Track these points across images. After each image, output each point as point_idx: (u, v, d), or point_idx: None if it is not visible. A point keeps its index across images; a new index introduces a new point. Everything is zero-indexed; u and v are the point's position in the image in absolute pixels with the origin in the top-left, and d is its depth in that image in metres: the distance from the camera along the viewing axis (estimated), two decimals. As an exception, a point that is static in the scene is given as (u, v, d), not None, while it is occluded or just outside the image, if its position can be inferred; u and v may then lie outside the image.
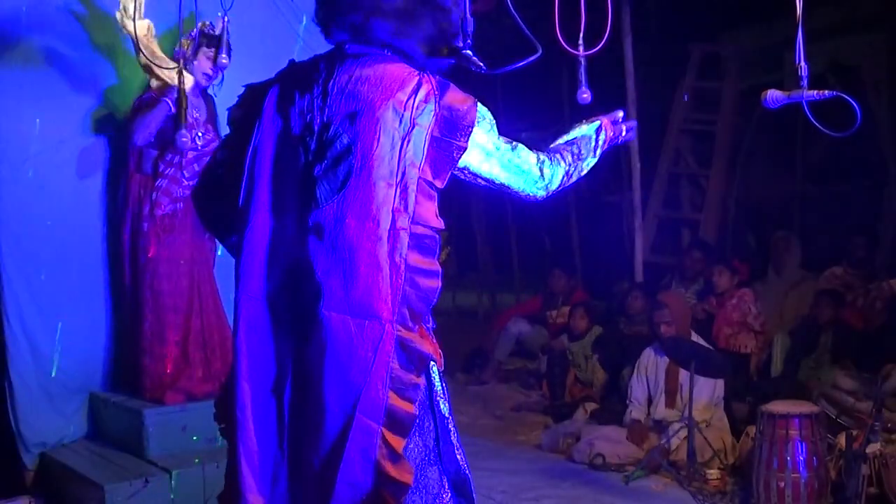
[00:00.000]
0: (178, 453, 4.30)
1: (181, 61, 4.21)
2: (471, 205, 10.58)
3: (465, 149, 2.15)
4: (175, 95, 4.32)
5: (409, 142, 2.11)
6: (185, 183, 4.45)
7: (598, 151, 2.52)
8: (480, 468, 5.10)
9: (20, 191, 4.42)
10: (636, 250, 7.43)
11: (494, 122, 2.24)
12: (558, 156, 2.38)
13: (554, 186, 2.34)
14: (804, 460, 4.20)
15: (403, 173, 2.10)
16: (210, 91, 4.66)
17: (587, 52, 2.75)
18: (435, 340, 2.23)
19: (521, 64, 2.36)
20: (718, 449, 4.97)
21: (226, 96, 4.71)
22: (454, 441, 2.27)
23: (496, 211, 10.59)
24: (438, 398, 2.26)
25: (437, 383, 2.25)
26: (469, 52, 2.35)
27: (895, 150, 7.38)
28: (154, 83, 4.42)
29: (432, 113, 2.13)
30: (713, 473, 4.78)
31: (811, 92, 2.53)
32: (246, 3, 4.53)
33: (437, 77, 2.20)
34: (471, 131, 2.15)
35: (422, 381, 2.15)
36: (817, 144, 7.61)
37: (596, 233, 9.43)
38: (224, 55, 4.23)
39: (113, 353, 4.77)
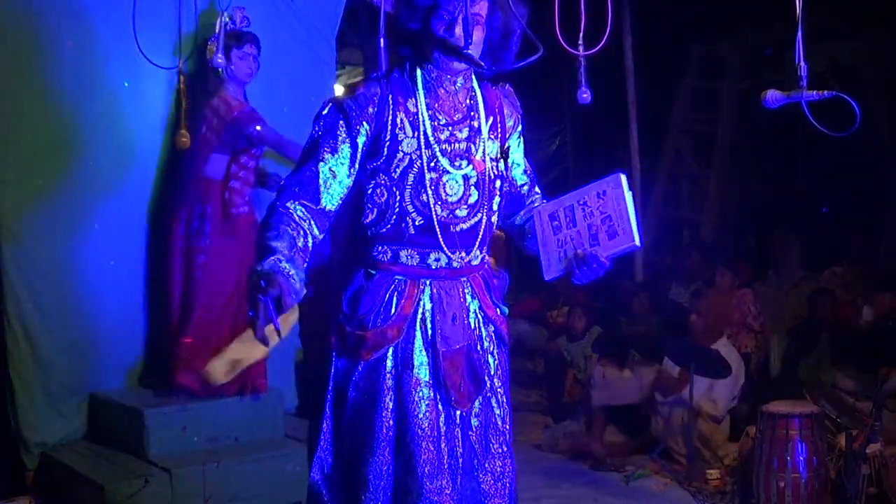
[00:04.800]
0: (178, 453, 4.30)
1: (181, 62, 4.24)
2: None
3: None
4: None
5: None
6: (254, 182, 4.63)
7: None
8: (480, 468, 5.10)
9: (21, 191, 4.41)
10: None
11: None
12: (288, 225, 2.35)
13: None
14: (804, 460, 4.19)
15: None
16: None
17: (587, 52, 2.76)
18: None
19: (522, 64, 2.37)
20: (718, 451, 4.98)
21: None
22: (325, 424, 2.50)
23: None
24: (332, 380, 2.50)
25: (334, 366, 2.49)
26: (470, 52, 2.36)
27: (895, 150, 7.38)
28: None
29: None
30: (713, 473, 4.79)
31: (811, 92, 2.53)
32: (248, 5, 4.57)
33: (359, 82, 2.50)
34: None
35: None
36: (817, 144, 7.60)
37: (596, 233, 9.42)
38: (220, 55, 4.26)
39: (115, 352, 4.76)
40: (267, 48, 4.76)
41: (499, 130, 2.57)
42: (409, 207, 2.43)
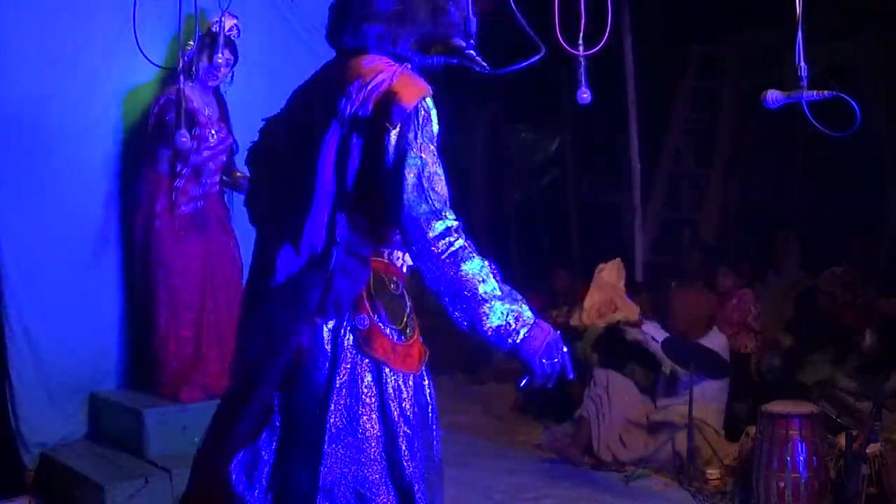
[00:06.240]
0: (178, 453, 4.28)
1: (182, 62, 4.23)
2: (470, 204, 10.57)
3: (389, 131, 2.15)
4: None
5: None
6: (204, 181, 4.50)
7: (496, 320, 2.12)
8: (480, 468, 5.11)
9: (21, 190, 4.42)
10: (636, 250, 7.44)
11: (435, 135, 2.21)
12: (480, 258, 2.15)
13: (438, 251, 2.12)
14: (804, 460, 4.19)
15: None
16: (222, 90, 4.67)
17: (587, 52, 2.76)
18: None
19: (523, 64, 2.36)
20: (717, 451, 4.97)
21: (233, 95, 4.73)
22: (403, 447, 2.26)
23: (496, 210, 10.59)
24: (390, 400, 2.26)
25: (389, 385, 2.27)
26: (472, 51, 2.36)
27: (894, 151, 7.38)
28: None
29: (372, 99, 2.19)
30: (713, 473, 4.78)
31: (811, 92, 2.54)
32: (248, 5, 4.57)
33: (407, 71, 2.26)
34: (402, 117, 2.15)
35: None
36: (817, 144, 7.61)
37: (596, 233, 9.43)
38: (220, 54, 4.25)
39: (115, 352, 4.76)
40: (267, 48, 4.76)
41: None
42: None
